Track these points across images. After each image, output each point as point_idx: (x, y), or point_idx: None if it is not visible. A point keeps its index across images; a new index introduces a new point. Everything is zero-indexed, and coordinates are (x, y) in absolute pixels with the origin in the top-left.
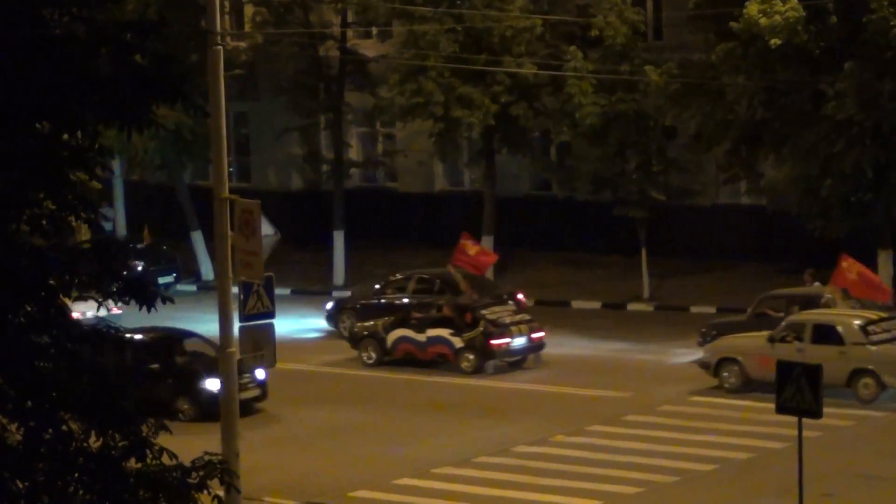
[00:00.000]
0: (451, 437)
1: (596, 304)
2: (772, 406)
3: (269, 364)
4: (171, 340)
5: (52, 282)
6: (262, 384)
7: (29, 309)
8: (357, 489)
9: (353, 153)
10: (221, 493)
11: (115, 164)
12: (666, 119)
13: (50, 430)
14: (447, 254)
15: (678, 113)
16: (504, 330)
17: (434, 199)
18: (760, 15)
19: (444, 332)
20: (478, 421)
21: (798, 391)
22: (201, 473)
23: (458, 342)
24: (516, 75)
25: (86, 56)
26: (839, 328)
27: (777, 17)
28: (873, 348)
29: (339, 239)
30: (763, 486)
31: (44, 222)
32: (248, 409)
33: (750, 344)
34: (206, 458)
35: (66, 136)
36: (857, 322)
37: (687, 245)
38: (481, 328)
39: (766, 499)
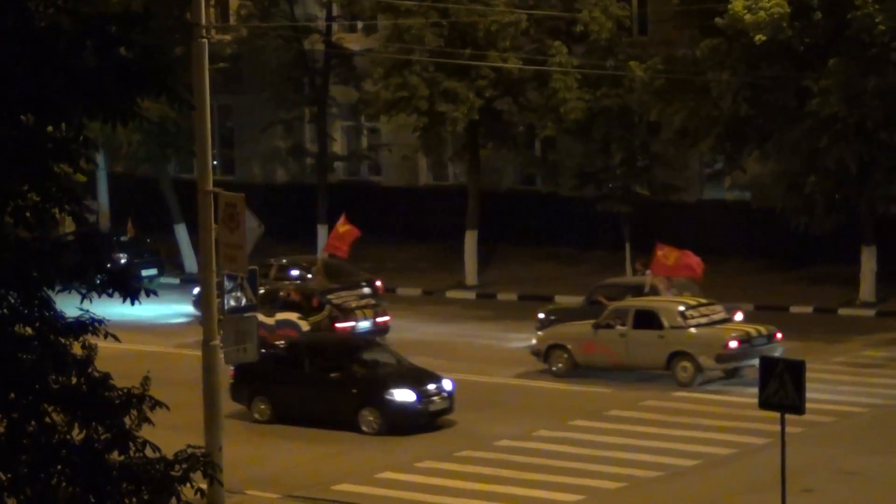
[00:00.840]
0: (434, 432)
1: (579, 300)
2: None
3: (251, 357)
4: (351, 348)
5: (35, 274)
6: (450, 395)
7: (12, 301)
8: (340, 482)
9: (338, 147)
10: (204, 486)
11: (100, 157)
12: (651, 115)
13: (33, 422)
14: (431, 248)
15: (663, 108)
16: (348, 314)
17: (418, 194)
18: (745, 11)
19: (291, 316)
20: (461, 415)
21: (781, 387)
22: (184, 466)
23: (304, 325)
24: (501, 70)
25: (70, 48)
26: (659, 313)
27: (762, 14)
28: (691, 332)
29: (322, 233)
30: (745, 482)
31: (28, 214)
32: (435, 422)
33: (577, 331)
34: (190, 451)
35: (50, 128)
36: (677, 307)
37: (671, 240)
38: (326, 312)
39: (747, 494)
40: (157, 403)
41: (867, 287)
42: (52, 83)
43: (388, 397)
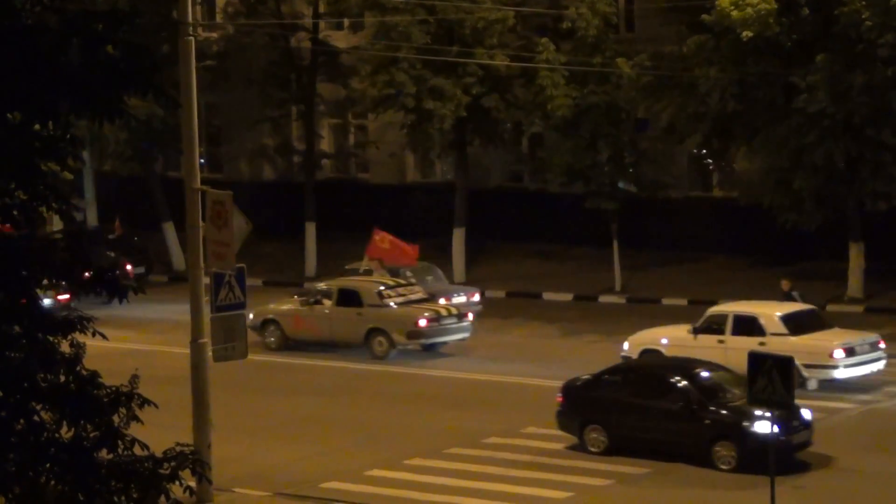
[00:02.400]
0: (422, 428)
1: (568, 297)
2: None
3: (240, 355)
4: (680, 371)
5: (23, 272)
6: (809, 426)
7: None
8: (328, 480)
9: (325, 144)
10: (193, 483)
11: (87, 155)
12: (638, 111)
13: (21, 421)
14: (418, 245)
15: (650, 105)
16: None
17: (405, 191)
18: (732, 7)
19: None
20: (449, 413)
21: (769, 383)
22: (173, 464)
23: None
24: (488, 67)
25: (57, 46)
26: (360, 292)
27: (749, 10)
28: (387, 310)
29: (310, 230)
30: (734, 479)
31: (15, 212)
32: (793, 458)
33: (288, 308)
34: (178, 448)
35: (37, 126)
36: (376, 287)
37: (659, 237)
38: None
39: (736, 491)
40: (145, 401)
41: (855, 283)
42: (39, 81)
43: (748, 430)
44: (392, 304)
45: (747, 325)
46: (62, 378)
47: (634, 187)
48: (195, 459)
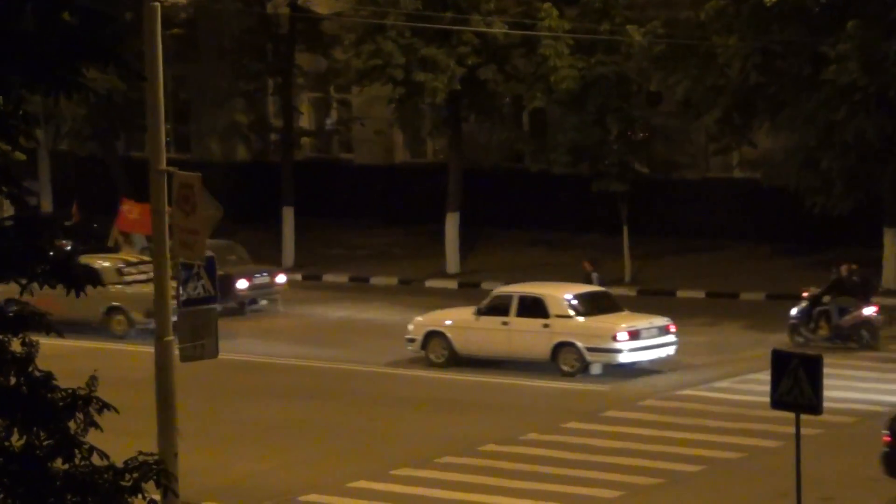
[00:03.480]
0: (411, 435)
1: None
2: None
3: (210, 354)
4: None
5: None
6: None
7: None
8: (308, 492)
9: (305, 121)
10: (158, 497)
11: (41, 133)
12: (650, 84)
13: None
14: (408, 232)
15: (664, 77)
16: None
17: (394, 172)
18: None
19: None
20: (442, 417)
21: (795, 384)
22: (135, 475)
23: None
24: (485, 35)
25: (7, 12)
26: (97, 268)
27: None
28: (126, 288)
29: (288, 215)
30: (755, 489)
31: None
32: None
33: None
34: (141, 458)
35: None
36: (110, 264)
37: (673, 223)
38: None
39: (759, 503)
40: (105, 406)
41: (890, 273)
42: None
43: None
44: (131, 281)
45: (532, 307)
46: (12, 380)
47: (646, 167)
48: (160, 470)
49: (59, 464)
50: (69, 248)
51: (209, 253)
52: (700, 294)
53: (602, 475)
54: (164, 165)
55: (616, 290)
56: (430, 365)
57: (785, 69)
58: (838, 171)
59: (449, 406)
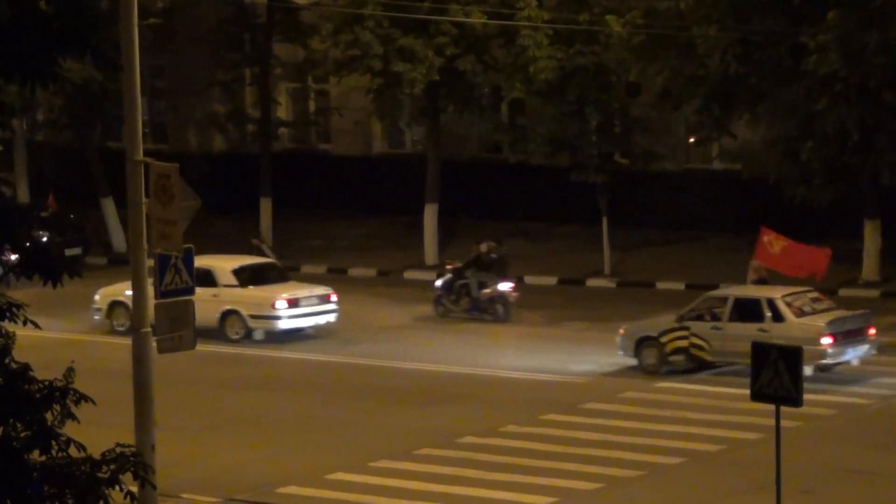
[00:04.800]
0: (390, 427)
1: (552, 280)
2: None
3: (187, 346)
4: None
5: None
6: None
7: None
8: (286, 484)
9: (282, 111)
10: (135, 489)
11: (17, 123)
12: (630, 74)
13: None
14: (387, 223)
15: (643, 67)
16: None
17: (372, 163)
18: None
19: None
20: (421, 409)
21: (775, 376)
22: (113, 467)
23: None
24: (463, 25)
25: None
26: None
27: None
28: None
29: (265, 206)
30: (735, 482)
31: None
32: None
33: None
34: (119, 450)
35: None
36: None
37: (653, 214)
38: None
39: (738, 496)
40: (82, 397)
41: (871, 265)
42: None
43: None
44: None
45: (203, 277)
46: None
47: (626, 158)
48: (137, 462)
49: (36, 455)
50: (45, 238)
51: (187, 244)
52: (680, 286)
53: (582, 467)
54: (140, 156)
55: (596, 282)
56: (114, 332)
57: (765, 59)
58: (818, 162)
59: (428, 398)
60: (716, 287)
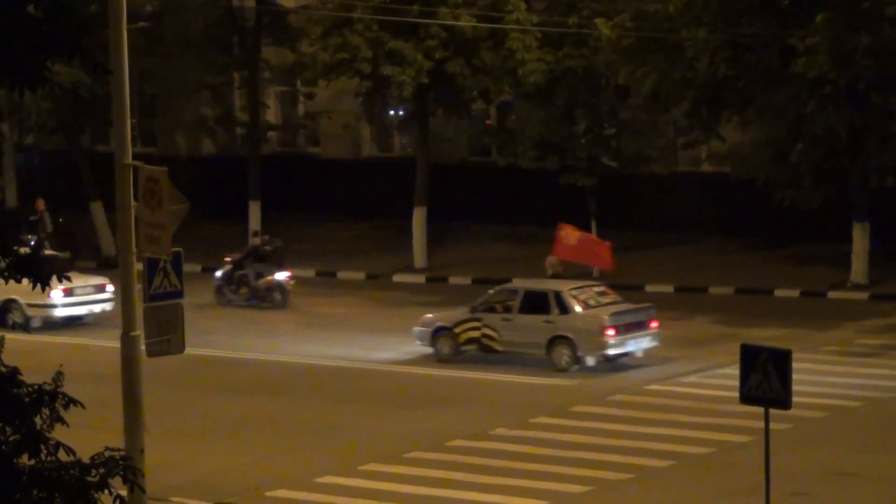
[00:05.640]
0: (379, 430)
1: None
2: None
3: (176, 350)
4: None
5: None
6: None
7: None
8: (275, 488)
9: (271, 115)
10: (124, 492)
11: (6, 127)
12: (619, 77)
13: None
14: (376, 227)
15: (632, 70)
16: None
17: (361, 167)
18: None
19: None
20: (409, 412)
21: (764, 379)
22: (102, 471)
23: None
24: (452, 28)
25: None
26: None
27: None
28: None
29: (255, 210)
30: (725, 485)
31: None
32: None
33: None
34: (108, 454)
35: None
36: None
37: (642, 217)
38: None
39: (729, 498)
40: (71, 401)
41: (860, 267)
42: None
43: None
44: None
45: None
46: None
47: (614, 161)
48: (126, 466)
49: (25, 459)
50: (34, 242)
51: (175, 247)
52: (669, 288)
53: (571, 470)
54: (129, 159)
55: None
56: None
57: (754, 62)
58: (808, 164)
59: (417, 401)
60: (705, 290)
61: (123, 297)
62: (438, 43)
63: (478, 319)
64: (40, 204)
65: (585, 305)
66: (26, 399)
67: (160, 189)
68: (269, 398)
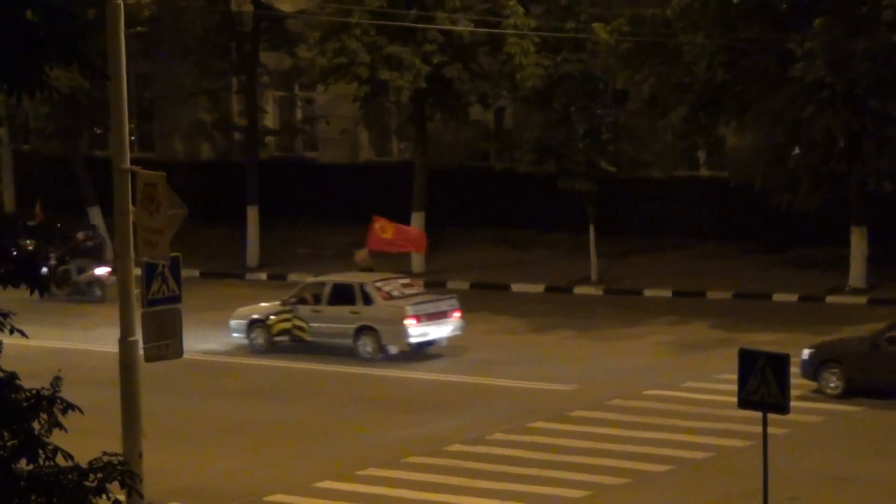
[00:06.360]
0: (377, 435)
1: (539, 288)
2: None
3: (174, 354)
4: None
5: None
6: None
7: None
8: (273, 493)
9: (269, 120)
10: (122, 497)
11: (4, 132)
12: (616, 81)
13: None
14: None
15: (630, 75)
16: None
17: (359, 171)
18: None
19: None
20: (408, 417)
21: (762, 383)
22: (100, 476)
23: None
24: (450, 33)
25: None
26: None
27: None
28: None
29: (252, 215)
30: (722, 489)
31: None
32: None
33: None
34: (106, 458)
35: None
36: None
37: (640, 222)
38: None
39: (727, 503)
40: (69, 406)
41: (858, 272)
42: None
43: None
44: None
45: None
46: None
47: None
48: (124, 470)
49: (23, 464)
50: (32, 248)
51: (173, 252)
52: (667, 293)
53: (569, 475)
54: (127, 164)
55: (583, 290)
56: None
57: (751, 66)
58: (805, 169)
59: (415, 406)
60: (703, 295)
61: (121, 301)
62: (436, 47)
63: (289, 311)
64: (39, 209)
65: (389, 296)
66: (24, 404)
67: (158, 194)
68: (267, 403)
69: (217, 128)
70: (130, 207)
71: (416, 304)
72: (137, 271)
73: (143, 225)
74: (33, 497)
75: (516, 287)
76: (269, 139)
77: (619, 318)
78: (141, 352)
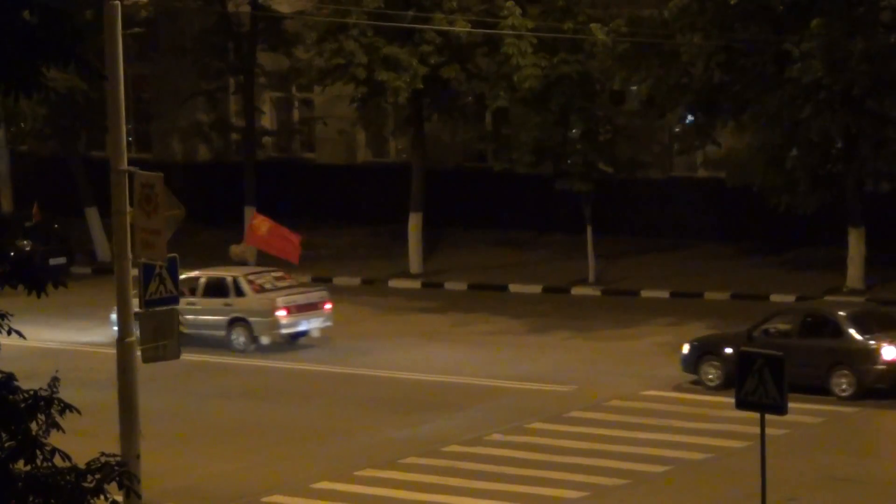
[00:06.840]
0: (375, 436)
1: (537, 289)
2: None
3: (172, 355)
4: None
5: None
6: None
7: None
8: (271, 493)
9: (266, 121)
10: (120, 498)
11: (1, 133)
12: (614, 83)
13: None
14: (371, 232)
15: (627, 76)
16: None
17: (356, 172)
18: None
19: None
20: (405, 418)
21: (760, 384)
22: (98, 476)
23: None
24: (448, 34)
25: None
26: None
27: None
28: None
29: (249, 216)
30: (720, 490)
31: None
32: None
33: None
34: (104, 459)
35: None
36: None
37: (637, 222)
38: None
39: None
40: (66, 407)
41: (855, 273)
42: None
43: None
44: None
45: None
46: None
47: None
48: (122, 471)
49: (21, 465)
50: (29, 248)
51: (171, 253)
52: (664, 294)
53: (567, 476)
54: (125, 165)
55: (581, 290)
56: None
57: (749, 67)
58: (802, 169)
59: (412, 407)
60: (701, 296)
61: (119, 302)
62: (434, 48)
63: None
64: (36, 210)
65: (260, 289)
66: (22, 405)
67: (155, 195)
68: (265, 404)
69: (214, 128)
70: (128, 208)
71: (286, 296)
72: (135, 272)
73: (140, 226)
74: (31, 498)
75: (514, 288)
76: (266, 140)
77: (617, 319)
78: (138, 353)
